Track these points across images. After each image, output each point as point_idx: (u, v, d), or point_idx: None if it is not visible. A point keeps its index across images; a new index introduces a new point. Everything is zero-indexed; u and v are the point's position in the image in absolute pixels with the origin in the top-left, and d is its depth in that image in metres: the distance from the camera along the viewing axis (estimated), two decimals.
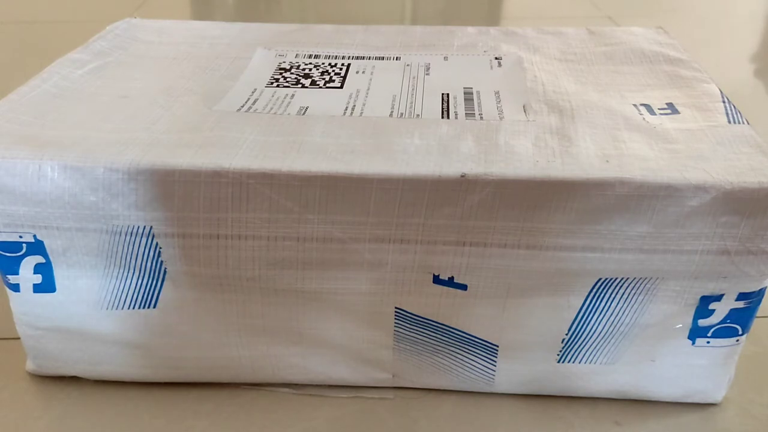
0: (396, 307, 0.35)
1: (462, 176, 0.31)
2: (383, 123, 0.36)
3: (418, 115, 0.37)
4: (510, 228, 0.32)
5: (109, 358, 0.38)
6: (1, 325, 0.37)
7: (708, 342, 0.35)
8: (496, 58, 0.44)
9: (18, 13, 1.03)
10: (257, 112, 0.37)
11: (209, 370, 0.38)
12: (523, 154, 0.33)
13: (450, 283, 0.34)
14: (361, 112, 0.37)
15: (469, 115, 0.37)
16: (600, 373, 0.37)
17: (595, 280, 0.34)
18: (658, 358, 0.36)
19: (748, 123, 0.36)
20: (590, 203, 0.32)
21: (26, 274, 0.35)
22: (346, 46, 0.46)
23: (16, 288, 0.36)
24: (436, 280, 0.34)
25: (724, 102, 0.38)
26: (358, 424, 0.37)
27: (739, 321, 0.35)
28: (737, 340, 0.35)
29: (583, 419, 0.38)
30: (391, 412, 0.38)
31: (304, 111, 0.37)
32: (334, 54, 0.45)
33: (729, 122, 0.36)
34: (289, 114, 0.37)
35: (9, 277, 0.35)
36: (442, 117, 0.36)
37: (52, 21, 0.99)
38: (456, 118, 0.36)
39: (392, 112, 0.37)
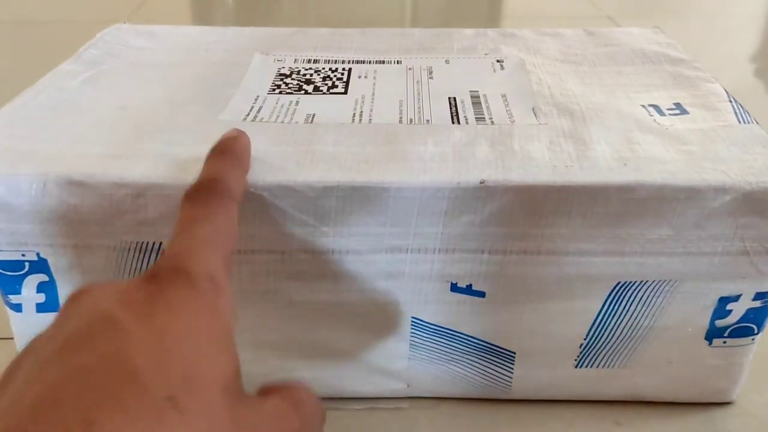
0: (413, 317, 0.35)
1: (481, 183, 0.31)
2: (394, 130, 0.35)
3: (428, 121, 0.36)
4: (529, 234, 0.32)
5: None
6: (1, 325, 0.36)
7: (725, 342, 0.35)
8: (497, 61, 0.44)
9: (18, 13, 1.01)
10: (263, 121, 0.36)
11: None
12: (539, 159, 0.32)
13: (468, 290, 0.34)
14: (370, 119, 0.36)
15: (480, 119, 0.36)
16: (617, 376, 0.37)
17: (614, 284, 0.33)
18: (675, 359, 0.36)
19: (757, 122, 0.36)
20: (610, 207, 0.31)
21: (29, 293, 0.34)
22: (345, 50, 0.46)
23: (18, 308, 0.34)
24: (454, 288, 0.34)
25: (731, 101, 0.38)
26: None
27: (756, 320, 0.35)
28: (753, 339, 0.36)
29: (584, 419, 0.38)
30: (390, 411, 0.38)
31: (311, 119, 0.36)
32: (334, 58, 0.44)
33: (739, 122, 0.36)
34: (296, 122, 0.36)
35: (10, 297, 0.34)
36: (453, 122, 0.36)
37: (52, 21, 0.97)
38: (467, 123, 0.36)
39: (401, 118, 0.36)
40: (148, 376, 0.19)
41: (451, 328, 0.35)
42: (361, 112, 0.37)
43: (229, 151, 0.30)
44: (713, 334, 0.35)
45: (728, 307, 0.34)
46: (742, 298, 0.34)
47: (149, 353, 0.20)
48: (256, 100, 0.38)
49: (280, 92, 0.39)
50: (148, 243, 0.32)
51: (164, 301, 0.22)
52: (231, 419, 0.20)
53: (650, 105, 0.38)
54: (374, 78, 0.41)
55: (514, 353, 0.36)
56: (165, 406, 0.19)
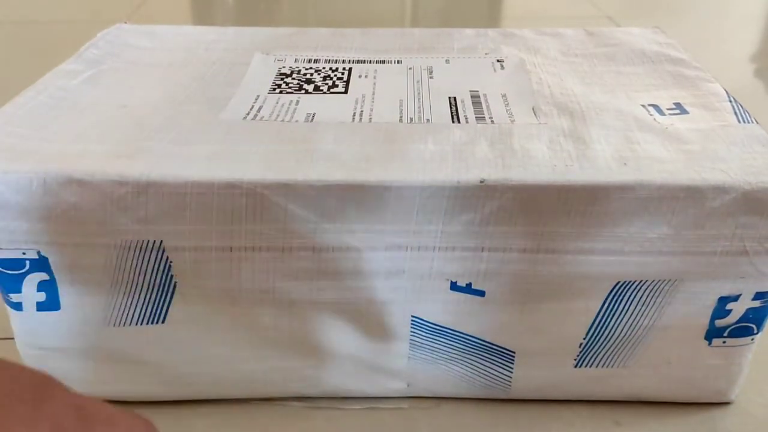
0: (413, 316, 0.35)
1: (481, 182, 0.31)
2: (394, 129, 0.35)
3: (428, 120, 0.36)
4: (529, 233, 0.32)
5: (116, 377, 0.37)
6: (2, 325, 0.36)
7: (724, 342, 0.35)
8: (498, 61, 0.44)
9: (18, 13, 1.01)
10: (264, 120, 0.36)
11: (220, 386, 0.37)
12: (539, 158, 0.33)
13: (468, 289, 0.34)
14: (370, 118, 0.36)
15: (480, 119, 0.36)
16: (617, 376, 0.37)
17: (614, 284, 0.34)
18: (675, 359, 0.36)
19: (757, 122, 0.36)
20: (610, 206, 0.31)
21: (29, 292, 0.34)
22: (346, 50, 0.46)
23: (18, 307, 0.34)
24: (454, 286, 0.34)
25: (730, 101, 0.38)
26: None
27: (755, 320, 0.35)
28: (752, 339, 0.36)
29: (584, 419, 0.38)
30: (390, 411, 0.38)
31: (311, 118, 0.36)
32: (334, 58, 0.44)
33: (739, 122, 0.36)
34: (297, 121, 0.36)
35: (11, 295, 0.34)
36: (453, 122, 0.36)
37: (52, 21, 0.97)
38: (467, 122, 0.36)
39: (401, 117, 0.36)
40: None
41: (450, 327, 0.35)
42: (362, 111, 0.37)
43: None
44: (713, 333, 0.35)
45: (728, 307, 0.34)
46: (741, 297, 0.34)
47: None
48: (256, 99, 0.38)
49: (281, 92, 0.39)
50: (148, 241, 0.32)
51: None
52: None
53: (650, 105, 0.38)
54: (374, 77, 0.42)
55: (514, 353, 0.36)
56: None
